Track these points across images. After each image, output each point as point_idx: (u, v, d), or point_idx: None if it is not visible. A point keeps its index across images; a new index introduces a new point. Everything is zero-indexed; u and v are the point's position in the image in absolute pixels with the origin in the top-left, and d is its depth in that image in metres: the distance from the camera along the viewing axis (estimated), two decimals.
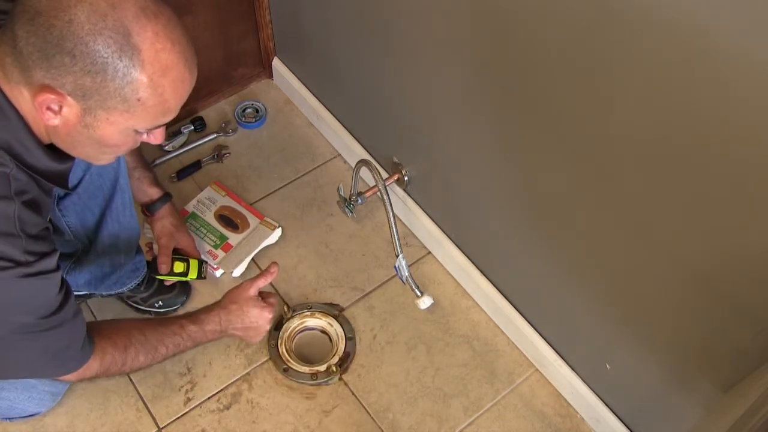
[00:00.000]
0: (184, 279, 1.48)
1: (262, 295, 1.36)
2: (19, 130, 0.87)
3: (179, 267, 1.46)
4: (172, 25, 0.84)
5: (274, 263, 1.39)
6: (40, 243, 0.91)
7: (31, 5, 0.79)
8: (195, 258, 1.49)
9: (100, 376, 1.12)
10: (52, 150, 0.94)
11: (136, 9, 0.81)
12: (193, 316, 1.28)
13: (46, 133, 0.90)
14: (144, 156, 1.42)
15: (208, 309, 1.31)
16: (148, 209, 1.43)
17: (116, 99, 0.83)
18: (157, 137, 0.95)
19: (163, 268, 1.44)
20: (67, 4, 0.78)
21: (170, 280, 1.48)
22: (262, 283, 1.35)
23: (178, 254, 1.48)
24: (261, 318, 1.33)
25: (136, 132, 0.90)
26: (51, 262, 0.92)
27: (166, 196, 1.43)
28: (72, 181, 1.20)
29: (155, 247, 1.47)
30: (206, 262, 1.52)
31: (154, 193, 1.41)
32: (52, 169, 0.94)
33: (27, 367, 1.03)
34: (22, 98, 0.85)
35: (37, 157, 0.91)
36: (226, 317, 1.30)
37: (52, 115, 0.85)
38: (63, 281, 0.96)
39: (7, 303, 0.90)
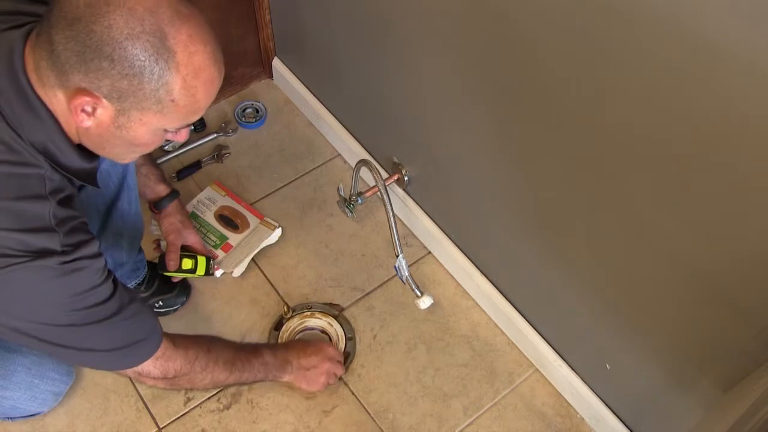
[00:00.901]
0: (192, 276, 1.48)
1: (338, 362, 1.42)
2: (53, 132, 0.89)
3: (188, 264, 1.46)
4: (203, 27, 0.87)
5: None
6: (77, 234, 0.92)
7: (69, 11, 0.80)
8: (203, 254, 1.49)
9: (184, 377, 1.12)
10: (81, 149, 0.95)
11: (170, 12, 0.83)
12: (271, 347, 1.33)
13: (76, 134, 0.92)
14: (151, 153, 1.42)
15: (283, 345, 1.38)
16: (155, 206, 1.43)
17: (151, 101, 0.85)
18: (183, 135, 0.97)
19: (172, 264, 1.44)
20: (106, 9, 0.80)
21: (178, 276, 1.49)
22: (331, 352, 1.41)
23: (186, 251, 1.48)
24: (324, 372, 1.37)
25: (165, 131, 0.92)
26: (90, 249, 0.93)
27: (174, 193, 1.44)
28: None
29: (163, 244, 1.48)
30: (214, 259, 1.53)
31: (161, 190, 1.42)
32: (82, 168, 0.96)
33: (101, 357, 1.03)
34: (56, 101, 0.87)
35: (70, 158, 0.93)
36: (296, 355, 1.35)
37: (86, 117, 0.86)
38: (108, 270, 0.96)
39: (57, 293, 0.91)
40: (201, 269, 1.47)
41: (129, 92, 0.83)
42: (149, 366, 1.07)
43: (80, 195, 1.25)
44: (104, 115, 0.86)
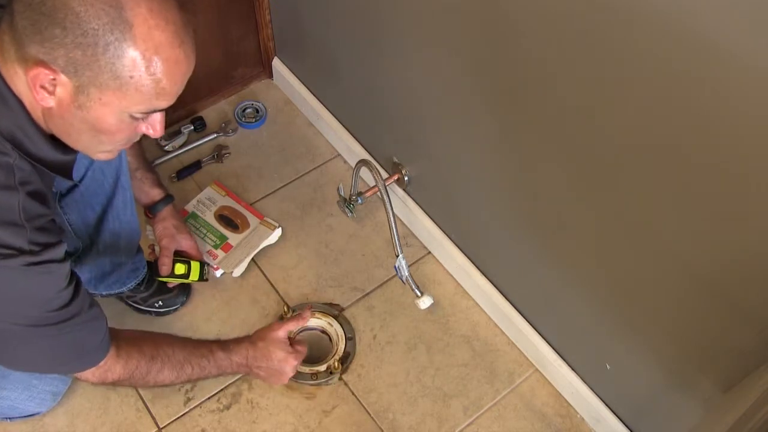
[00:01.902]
0: (185, 281, 1.48)
1: (292, 342, 1.35)
2: (20, 118, 0.86)
3: (180, 269, 1.45)
4: (168, 5, 0.83)
5: (309, 309, 1.42)
6: (45, 234, 0.90)
7: None
8: (197, 260, 1.48)
9: (123, 382, 1.11)
10: (54, 140, 0.93)
11: None
12: (223, 344, 1.27)
13: (44, 121, 0.89)
14: (147, 158, 1.42)
15: (237, 340, 1.30)
16: (149, 210, 1.43)
17: (107, 74, 0.81)
18: (155, 128, 0.93)
19: (164, 269, 1.43)
20: None
21: (171, 282, 1.48)
22: (293, 327, 1.35)
23: (180, 256, 1.47)
24: (286, 363, 1.31)
25: (132, 118, 0.88)
26: (57, 252, 0.91)
27: (168, 198, 1.43)
28: (75, 177, 1.20)
29: (158, 249, 1.47)
30: (208, 264, 1.52)
31: (155, 194, 1.41)
32: (55, 159, 0.94)
33: (43, 361, 1.02)
34: (18, 79, 0.84)
35: (40, 146, 0.90)
36: (252, 353, 1.28)
37: (47, 94, 0.83)
38: (72, 273, 0.95)
39: (15, 294, 0.89)
40: (194, 274, 1.46)
41: (84, 64, 0.80)
42: (87, 373, 1.06)
43: (74, 194, 1.25)
44: (64, 93, 0.83)
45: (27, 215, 0.87)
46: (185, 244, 1.47)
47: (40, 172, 0.93)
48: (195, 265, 1.47)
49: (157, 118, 0.92)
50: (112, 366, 1.07)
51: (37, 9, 0.78)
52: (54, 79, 0.82)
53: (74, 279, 0.95)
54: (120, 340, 1.08)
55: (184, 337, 1.23)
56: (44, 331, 0.94)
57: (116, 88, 0.83)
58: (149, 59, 0.82)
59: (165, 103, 0.88)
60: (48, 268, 0.89)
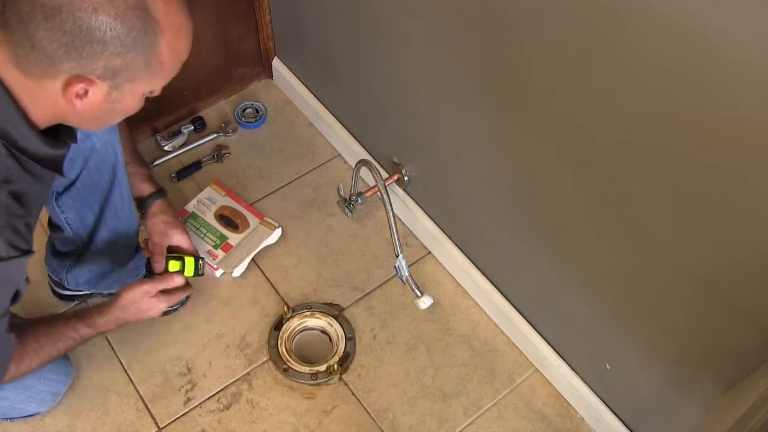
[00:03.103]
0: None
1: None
2: (11, 113, 0.88)
3: (174, 266, 1.39)
4: None
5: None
6: (19, 238, 0.92)
7: (44, 2, 0.79)
8: (190, 255, 1.43)
9: (15, 378, 1.12)
10: (46, 136, 0.94)
11: None
12: (88, 318, 1.23)
13: (45, 118, 0.91)
14: (139, 151, 1.40)
15: (101, 309, 1.26)
16: (140, 206, 1.39)
17: (143, 70, 0.87)
18: (159, 90, 0.97)
19: (157, 267, 1.38)
20: None
21: None
22: (162, 287, 1.31)
23: (174, 252, 1.42)
24: (154, 308, 1.30)
25: (150, 93, 0.94)
26: (22, 262, 0.93)
27: (158, 193, 1.38)
28: (70, 174, 1.20)
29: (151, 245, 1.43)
30: (203, 259, 1.46)
31: (145, 189, 1.36)
32: (46, 154, 0.95)
33: None
34: (23, 87, 0.86)
35: (31, 141, 0.92)
36: (121, 315, 1.26)
37: (79, 100, 0.87)
38: (17, 293, 0.97)
39: None
40: (189, 270, 1.40)
41: (123, 68, 0.85)
42: None
43: (71, 192, 1.25)
44: (97, 94, 0.87)
45: (8, 214, 0.89)
46: (177, 239, 1.41)
47: (31, 169, 0.94)
48: (189, 261, 1.40)
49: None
50: (8, 373, 1.08)
51: (71, 32, 0.80)
52: (88, 86, 0.85)
53: (18, 297, 0.97)
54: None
55: (50, 323, 1.21)
56: None
57: (147, 76, 0.89)
58: (176, 44, 0.88)
59: (177, 71, 0.93)
60: (6, 270, 0.91)
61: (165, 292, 1.31)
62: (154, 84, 0.91)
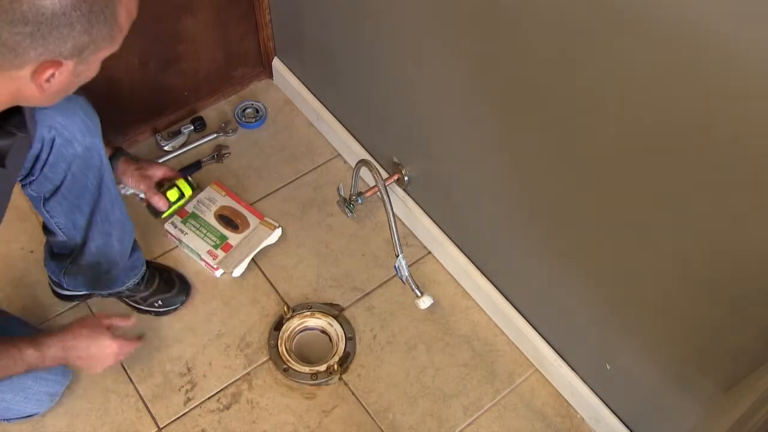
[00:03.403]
0: (185, 200, 1.46)
1: (124, 337, 1.29)
2: None
3: (173, 195, 1.43)
4: None
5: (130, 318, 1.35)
6: None
7: None
8: (177, 177, 1.45)
9: None
10: None
11: None
12: (35, 340, 1.17)
13: (15, 100, 0.90)
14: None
15: (51, 333, 1.20)
16: None
17: (107, 40, 0.87)
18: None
19: (162, 204, 1.39)
20: None
21: (176, 209, 1.47)
22: (119, 323, 1.30)
23: (161, 185, 1.44)
24: (109, 348, 1.25)
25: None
26: None
27: (119, 151, 1.37)
28: (53, 178, 1.19)
29: (141, 195, 1.42)
30: (189, 174, 1.51)
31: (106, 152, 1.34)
32: None
33: None
34: None
35: None
36: (72, 342, 1.21)
37: (48, 84, 0.87)
38: None
39: None
40: (187, 190, 1.45)
41: (89, 42, 0.85)
42: None
43: (57, 197, 1.24)
44: (64, 73, 0.87)
45: None
46: (158, 173, 1.41)
47: None
48: (181, 183, 1.44)
49: None
50: None
51: (34, 21, 0.79)
52: (56, 68, 0.85)
53: None
54: None
55: None
56: None
57: (109, 44, 0.88)
58: (130, 7, 0.88)
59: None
60: None
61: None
62: (114, 49, 0.91)
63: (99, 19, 0.83)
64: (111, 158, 1.35)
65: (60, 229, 1.29)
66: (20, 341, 1.15)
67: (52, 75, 0.86)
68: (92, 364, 1.25)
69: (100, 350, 1.24)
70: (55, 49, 0.82)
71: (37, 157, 1.15)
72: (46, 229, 1.35)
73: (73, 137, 1.16)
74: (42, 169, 1.17)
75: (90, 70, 0.91)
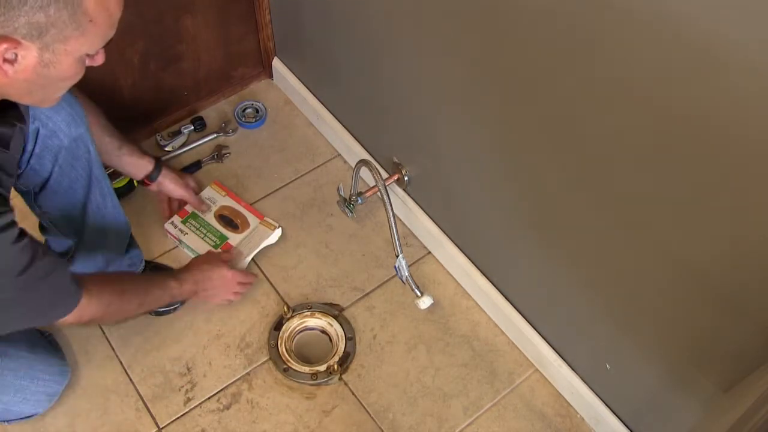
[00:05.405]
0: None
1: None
2: None
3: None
4: None
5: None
6: None
7: None
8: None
9: (100, 318, 1.15)
10: None
11: None
12: (176, 275, 1.36)
13: None
14: (118, 130, 1.39)
15: (184, 270, 1.40)
16: (148, 179, 1.47)
17: (71, 27, 0.84)
18: (101, 58, 0.95)
19: (203, 208, 1.60)
20: None
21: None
22: (227, 257, 1.48)
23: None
24: (228, 278, 1.43)
25: (88, 56, 0.91)
26: (4, 219, 0.92)
27: (159, 162, 1.48)
28: (41, 171, 1.19)
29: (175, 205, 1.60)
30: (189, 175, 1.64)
31: (146, 163, 1.45)
32: None
33: (20, 319, 1.06)
34: None
35: None
36: (199, 276, 1.38)
37: (10, 66, 0.84)
38: (21, 234, 0.95)
39: None
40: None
41: (48, 24, 0.82)
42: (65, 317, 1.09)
43: (47, 192, 1.24)
44: (28, 58, 0.84)
45: None
46: (192, 184, 1.60)
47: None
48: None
49: (102, 50, 0.94)
50: (85, 306, 1.09)
51: None
52: (16, 49, 0.83)
53: (25, 238, 0.95)
54: (87, 282, 1.11)
55: (137, 273, 1.35)
56: (17, 295, 0.97)
57: (79, 35, 0.85)
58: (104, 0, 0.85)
59: (113, 32, 0.91)
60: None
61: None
62: (88, 44, 0.88)
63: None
64: (156, 167, 1.46)
65: (53, 224, 1.29)
66: (165, 276, 1.36)
67: (15, 58, 0.83)
68: (215, 293, 1.44)
69: (222, 281, 1.42)
70: (8, 23, 0.80)
71: (23, 149, 1.14)
72: (42, 227, 1.35)
73: (58, 128, 1.15)
74: (29, 161, 1.16)
75: (62, 63, 0.87)
